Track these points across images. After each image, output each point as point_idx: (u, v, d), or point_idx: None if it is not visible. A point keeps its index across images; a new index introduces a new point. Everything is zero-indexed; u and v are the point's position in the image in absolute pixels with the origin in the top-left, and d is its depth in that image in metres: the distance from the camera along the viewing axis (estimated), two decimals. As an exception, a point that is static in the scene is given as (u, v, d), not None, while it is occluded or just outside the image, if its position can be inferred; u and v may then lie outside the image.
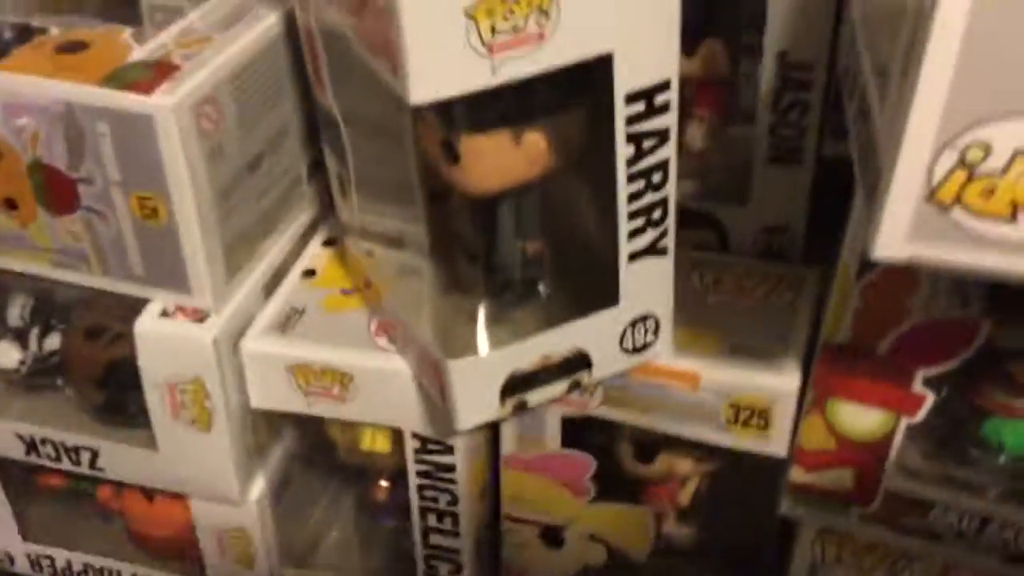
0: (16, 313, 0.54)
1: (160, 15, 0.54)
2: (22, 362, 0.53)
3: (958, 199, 0.29)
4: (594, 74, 0.36)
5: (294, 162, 0.51)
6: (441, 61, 0.34)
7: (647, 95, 0.38)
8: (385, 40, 0.34)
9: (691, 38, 0.50)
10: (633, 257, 0.41)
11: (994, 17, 0.26)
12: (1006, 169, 0.28)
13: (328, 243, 0.53)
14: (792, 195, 0.50)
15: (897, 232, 0.30)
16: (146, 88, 0.41)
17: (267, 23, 0.47)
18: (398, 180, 0.40)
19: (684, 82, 0.51)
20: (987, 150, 0.28)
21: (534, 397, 0.44)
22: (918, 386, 0.41)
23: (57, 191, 0.45)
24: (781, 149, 0.49)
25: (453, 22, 0.33)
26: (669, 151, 0.40)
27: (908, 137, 0.28)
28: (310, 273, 0.51)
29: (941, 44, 0.26)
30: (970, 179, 0.28)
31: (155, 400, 0.48)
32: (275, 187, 0.49)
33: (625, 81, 0.37)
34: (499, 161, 0.39)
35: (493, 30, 0.34)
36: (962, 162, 0.28)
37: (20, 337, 0.53)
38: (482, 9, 0.33)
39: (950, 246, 0.29)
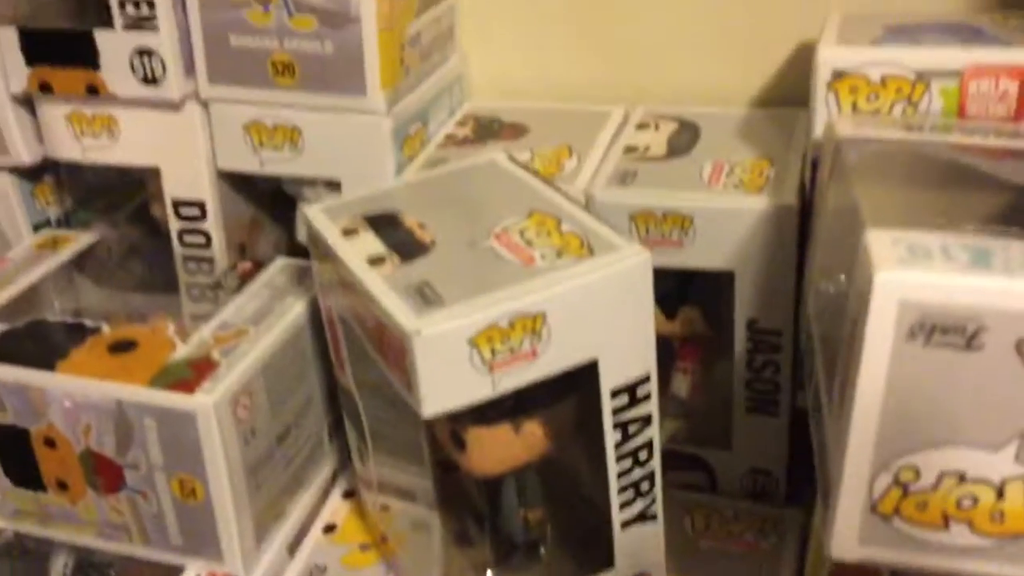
0: (58, 571, 0.58)
1: (196, 291, 0.60)
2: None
3: (897, 511, 0.33)
4: (582, 375, 0.42)
5: (317, 426, 0.56)
6: (449, 382, 0.39)
7: (630, 389, 0.43)
8: (400, 362, 0.40)
9: (671, 305, 0.56)
10: (625, 525, 0.46)
11: (909, 371, 0.31)
12: (935, 487, 0.33)
13: (348, 495, 0.58)
14: (771, 442, 0.55)
15: (849, 536, 0.34)
16: (189, 387, 0.47)
17: (295, 312, 0.53)
18: (411, 442, 0.45)
19: (667, 340, 0.57)
20: (917, 472, 0.33)
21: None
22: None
23: (105, 475, 0.50)
24: (758, 401, 0.54)
25: (458, 350, 0.39)
26: (652, 432, 0.44)
27: (848, 461, 0.33)
28: (331, 528, 0.55)
29: (866, 396, 0.32)
30: (905, 495, 0.33)
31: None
32: (301, 452, 0.54)
33: (609, 379, 0.42)
34: (501, 449, 0.44)
35: (493, 352, 0.39)
36: (896, 481, 0.33)
37: (62, 595, 0.57)
38: (483, 337, 0.39)
39: (896, 550, 0.34)
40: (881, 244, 0.32)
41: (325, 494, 0.58)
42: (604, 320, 0.41)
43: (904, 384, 0.31)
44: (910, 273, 0.31)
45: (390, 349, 0.41)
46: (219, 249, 0.61)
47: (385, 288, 0.41)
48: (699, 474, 0.57)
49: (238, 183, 0.61)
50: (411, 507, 0.50)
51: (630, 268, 0.41)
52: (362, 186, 0.56)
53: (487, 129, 0.61)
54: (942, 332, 0.31)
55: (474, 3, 0.65)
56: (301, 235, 0.62)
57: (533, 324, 0.40)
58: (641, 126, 0.60)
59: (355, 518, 0.56)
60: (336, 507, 0.57)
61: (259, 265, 0.58)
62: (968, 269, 0.31)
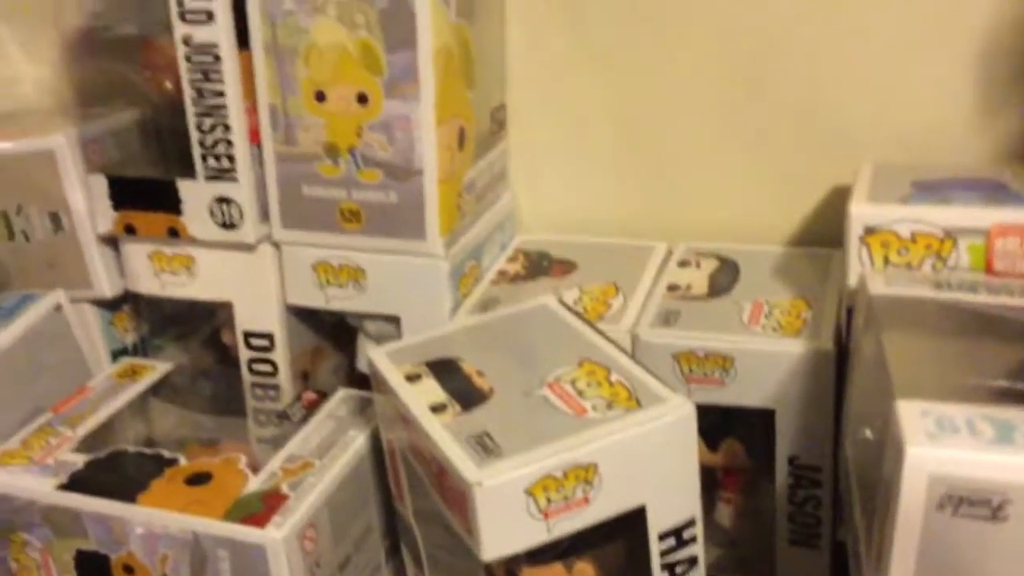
0: None
1: (263, 416, 0.64)
2: None
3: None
4: (631, 519, 0.44)
5: (375, 552, 0.59)
6: (507, 528, 0.42)
7: (676, 532, 0.45)
8: (461, 507, 0.43)
9: (714, 437, 0.59)
10: (674, 662, 0.48)
11: (940, 539, 0.34)
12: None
13: (403, 620, 0.60)
14: (813, 574, 0.57)
15: None
16: (260, 521, 0.50)
17: (357, 445, 0.56)
18: (467, 572, 0.48)
19: (711, 471, 0.59)
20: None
21: None
22: None
23: (179, 601, 0.53)
24: (800, 534, 0.56)
25: (516, 499, 0.42)
26: (699, 573, 0.47)
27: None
28: (388, 652, 0.58)
29: (900, 561, 0.34)
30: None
31: None
32: (359, 578, 0.57)
33: (657, 524, 0.45)
34: (555, 587, 0.47)
35: (548, 500, 0.42)
36: (931, 640, 0.35)
37: None
38: (539, 487, 0.42)
39: None
40: (911, 417, 0.35)
41: (381, 618, 0.60)
42: (652, 468, 0.44)
43: (935, 551, 0.34)
44: (939, 450, 0.33)
45: (451, 494, 0.44)
46: (285, 377, 0.65)
47: (447, 437, 0.44)
48: (743, 602, 0.59)
49: (303, 315, 0.65)
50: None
51: (676, 421, 0.44)
52: (419, 321, 0.60)
53: (537, 266, 0.65)
54: (969, 504, 0.33)
55: (523, 143, 0.69)
56: (361, 364, 0.66)
57: (586, 474, 0.42)
58: (683, 263, 0.63)
59: (410, 643, 0.58)
60: (392, 631, 0.59)
61: (322, 395, 0.62)
62: (992, 445, 0.33)
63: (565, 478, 0.42)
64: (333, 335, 0.69)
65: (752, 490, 0.60)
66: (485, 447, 0.43)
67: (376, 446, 0.57)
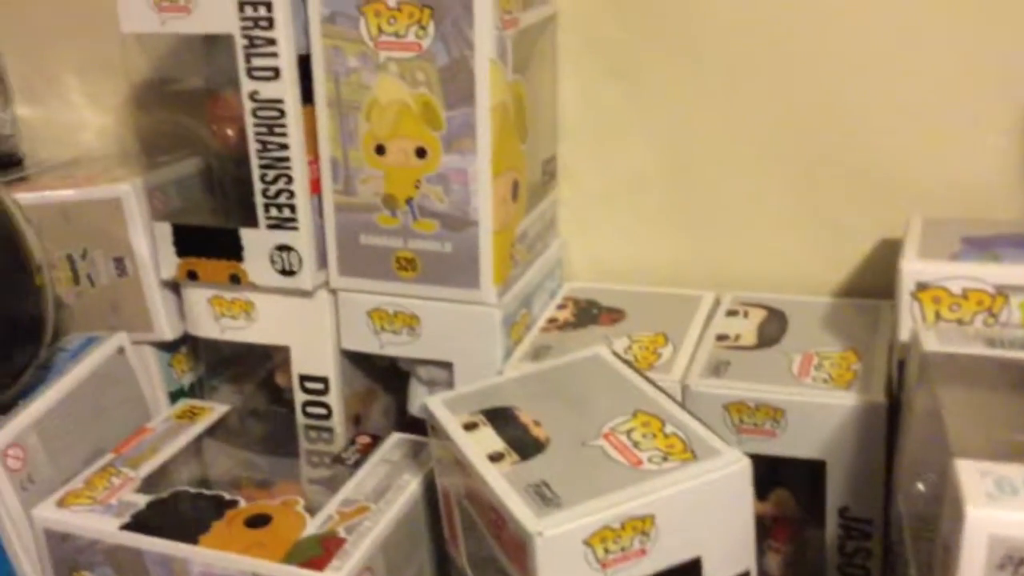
0: None
1: (315, 458, 0.65)
2: None
3: None
4: (687, 571, 0.45)
5: (426, 595, 0.60)
6: (566, 579, 0.43)
7: (730, 586, 0.46)
8: (520, 556, 0.44)
9: (764, 486, 0.59)
10: None
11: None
12: None
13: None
14: (865, 625, 0.57)
15: None
16: (319, 564, 0.51)
17: (411, 489, 0.57)
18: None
19: (760, 519, 0.60)
20: None
21: None
22: None
23: (237, 642, 0.54)
24: (850, 587, 0.56)
25: (575, 549, 0.42)
26: (752, 626, 0.47)
27: None
28: None
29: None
30: None
31: None
32: (411, 622, 0.58)
33: (712, 575, 0.45)
34: (610, 636, 0.47)
35: (606, 551, 0.43)
36: None
37: None
38: (597, 538, 0.43)
39: None
40: (970, 478, 0.36)
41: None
42: (708, 521, 0.44)
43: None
44: (999, 511, 0.34)
45: (510, 542, 0.45)
46: (338, 420, 0.66)
47: (506, 486, 0.45)
48: (792, 654, 0.59)
49: (357, 359, 0.67)
50: None
51: (732, 474, 0.44)
52: (472, 368, 0.61)
53: (586, 313, 0.66)
54: (1030, 565, 0.33)
55: (572, 193, 0.71)
56: (412, 408, 0.67)
57: (643, 525, 0.43)
58: (731, 313, 0.64)
59: None
60: (442, 675, 0.60)
61: (375, 439, 0.63)
62: (1052, 507, 0.34)
63: (623, 529, 0.43)
64: (384, 378, 0.70)
65: (801, 540, 0.60)
66: (544, 497, 0.44)
67: (428, 490, 0.59)
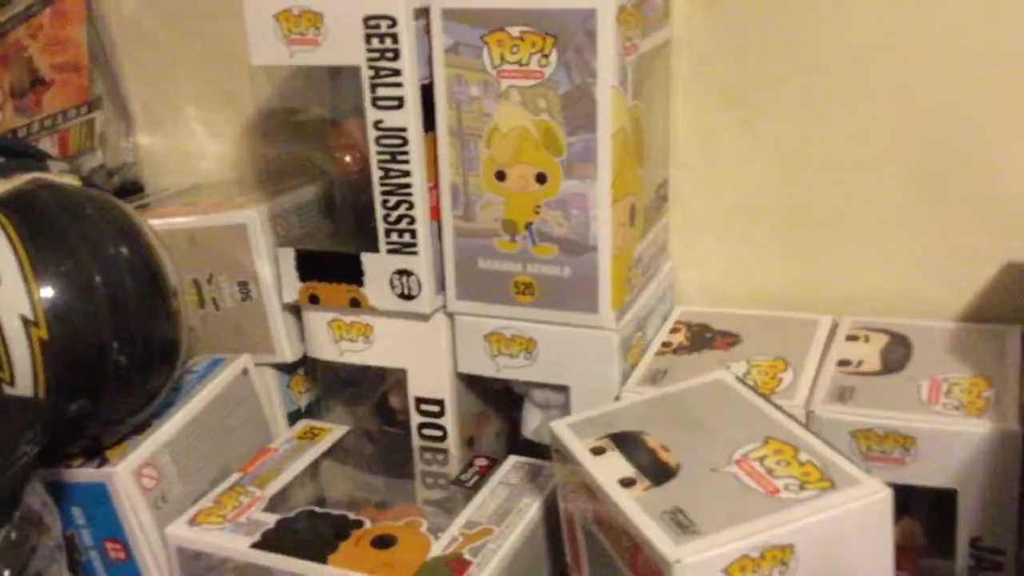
0: None
1: (430, 479, 0.66)
2: None
3: None
4: (824, 600, 0.45)
5: (545, 619, 0.60)
6: (704, 607, 0.43)
7: (869, 615, 0.45)
8: (657, 584, 0.44)
9: (889, 515, 0.58)
10: None
11: None
12: None
13: None
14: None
15: None
16: (447, 586, 0.52)
17: (532, 512, 0.57)
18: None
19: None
20: None
21: None
22: None
23: (365, 661, 0.55)
24: (982, 616, 0.55)
25: (713, 577, 0.42)
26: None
27: None
28: None
29: None
30: None
31: None
32: (532, 645, 0.58)
33: (850, 606, 0.45)
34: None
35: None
36: None
37: None
38: (736, 567, 0.42)
39: None
40: None
41: None
42: (848, 551, 0.44)
43: None
44: None
45: (645, 570, 0.45)
46: (453, 442, 0.67)
47: (640, 512, 0.45)
48: None
49: (471, 382, 0.68)
50: None
51: (874, 504, 0.44)
52: (588, 391, 0.61)
53: (700, 337, 0.66)
54: None
55: (683, 219, 0.71)
56: (526, 431, 0.68)
57: (783, 555, 0.43)
58: (851, 338, 0.63)
59: None
60: None
61: (493, 461, 0.64)
62: None
63: (762, 559, 0.43)
64: (497, 401, 0.71)
65: (927, 571, 0.59)
66: (680, 524, 0.44)
67: (548, 514, 0.59)
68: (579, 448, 0.51)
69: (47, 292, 0.53)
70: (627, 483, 0.48)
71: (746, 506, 0.44)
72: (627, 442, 0.51)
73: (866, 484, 0.45)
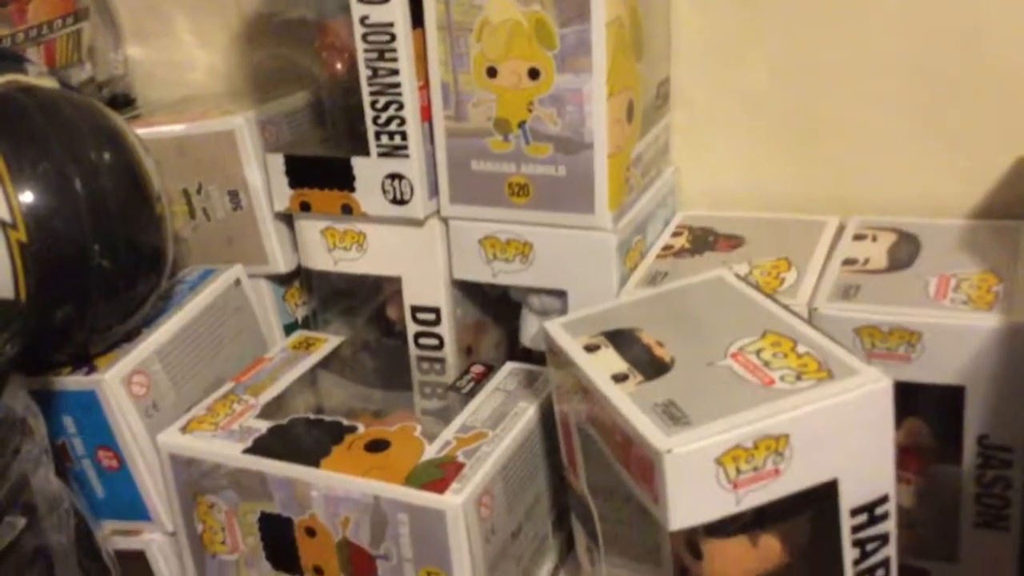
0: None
1: (428, 389, 0.65)
2: None
3: None
4: (822, 493, 0.43)
5: (543, 523, 0.59)
6: (695, 498, 0.41)
7: (869, 508, 0.44)
8: (648, 477, 0.42)
9: (896, 415, 0.56)
10: (861, 643, 0.46)
11: None
12: None
13: (568, 592, 0.60)
14: (1001, 558, 0.54)
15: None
16: (439, 487, 0.51)
17: (528, 416, 0.56)
18: (647, 546, 0.47)
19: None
20: None
21: None
22: None
23: (358, 564, 0.54)
24: (987, 516, 0.54)
25: (705, 468, 0.41)
26: (890, 551, 0.45)
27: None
28: (556, 624, 0.58)
29: None
30: None
31: None
32: (529, 549, 0.58)
33: (849, 499, 0.43)
34: (738, 561, 0.46)
35: (738, 471, 0.41)
36: None
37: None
38: (729, 457, 0.41)
39: None
40: None
41: (547, 590, 0.60)
42: (846, 441, 0.42)
43: None
44: None
45: (637, 464, 0.44)
46: (450, 351, 0.66)
47: (632, 405, 0.44)
48: (922, 587, 0.57)
49: (468, 289, 0.66)
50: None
51: (872, 394, 0.42)
52: (586, 295, 0.60)
53: (702, 240, 0.64)
54: None
55: (686, 117, 0.68)
56: (524, 339, 0.66)
57: (777, 444, 0.42)
58: (858, 237, 0.61)
59: (578, 615, 0.59)
60: (558, 604, 0.60)
61: (489, 368, 0.62)
62: None
63: (755, 448, 0.41)
64: (495, 310, 0.70)
65: (934, 470, 0.57)
66: (672, 416, 0.43)
67: (544, 419, 0.58)
68: (572, 346, 0.50)
69: (25, 193, 0.52)
70: (620, 378, 0.46)
71: (740, 397, 0.43)
72: (621, 338, 0.49)
73: (865, 374, 0.43)
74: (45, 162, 0.53)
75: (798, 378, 0.44)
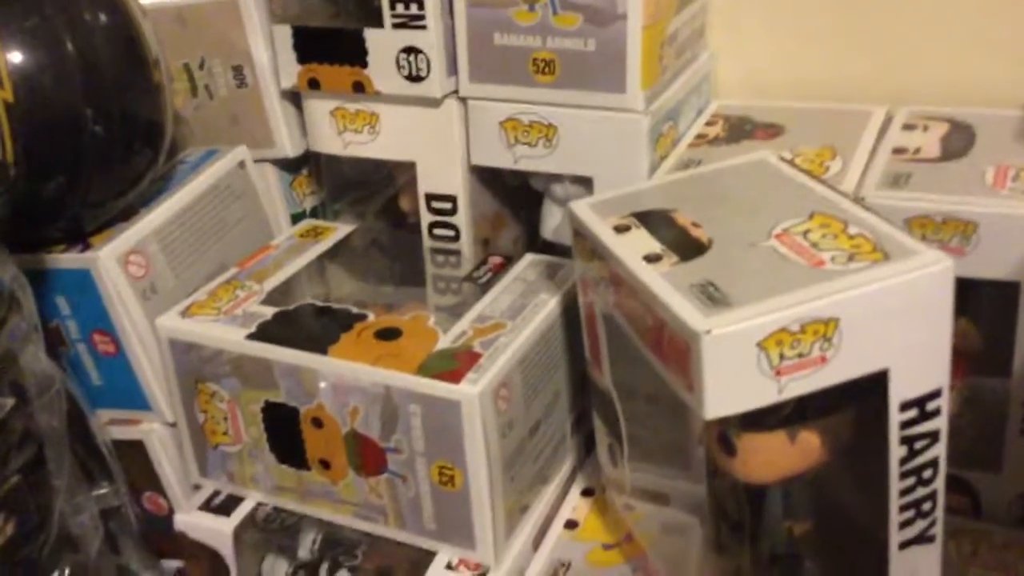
0: (307, 546, 0.60)
1: (442, 283, 0.62)
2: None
3: None
4: (871, 384, 0.40)
5: (562, 422, 0.56)
6: (734, 385, 0.38)
7: (920, 403, 0.41)
8: (682, 362, 0.39)
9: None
10: (903, 546, 0.43)
11: None
12: None
13: (586, 492, 0.58)
14: (1050, 468, 0.51)
15: None
16: (454, 377, 0.48)
17: (548, 308, 0.53)
18: (673, 445, 0.44)
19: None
20: None
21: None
22: None
23: (368, 457, 0.51)
24: (1036, 422, 0.50)
25: (746, 352, 0.38)
26: (940, 450, 0.42)
27: None
28: (572, 524, 0.55)
29: None
30: None
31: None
32: (547, 447, 0.55)
33: (900, 392, 0.40)
34: (774, 457, 0.43)
35: (781, 357, 0.38)
36: None
37: (310, 570, 0.60)
38: (772, 341, 0.38)
39: None
40: None
41: (565, 490, 0.58)
42: (899, 329, 0.39)
43: None
44: None
45: (671, 349, 0.40)
46: (467, 242, 0.63)
47: (667, 286, 0.40)
48: (960, 497, 0.54)
49: (487, 179, 0.62)
50: (664, 510, 0.49)
51: (932, 275, 0.39)
52: (613, 183, 0.56)
53: (739, 129, 0.60)
54: None
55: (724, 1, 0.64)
56: (546, 232, 0.63)
57: (825, 329, 0.38)
58: (908, 127, 0.57)
59: (596, 517, 0.56)
60: (576, 504, 0.57)
61: (508, 259, 0.59)
62: None
63: (802, 332, 0.38)
64: (514, 203, 0.66)
65: (980, 376, 0.54)
66: (711, 296, 0.39)
67: (567, 312, 0.54)
68: (600, 227, 0.46)
69: (11, 50, 0.48)
70: (652, 259, 0.42)
71: (786, 278, 0.39)
72: (654, 219, 0.46)
73: (925, 255, 0.39)
74: (34, 18, 0.48)
75: (850, 259, 0.40)
